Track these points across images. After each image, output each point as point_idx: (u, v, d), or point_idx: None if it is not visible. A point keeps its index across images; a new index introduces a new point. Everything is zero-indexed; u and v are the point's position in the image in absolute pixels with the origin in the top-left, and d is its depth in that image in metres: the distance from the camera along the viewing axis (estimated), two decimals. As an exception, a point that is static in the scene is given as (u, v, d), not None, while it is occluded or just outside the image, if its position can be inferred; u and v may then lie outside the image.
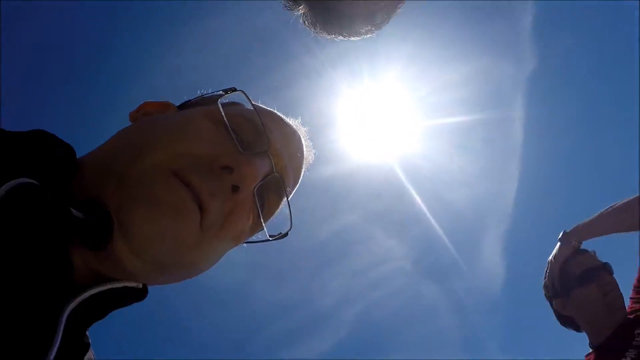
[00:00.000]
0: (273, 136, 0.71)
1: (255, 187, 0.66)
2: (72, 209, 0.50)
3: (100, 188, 0.57)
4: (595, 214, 2.29)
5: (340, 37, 0.95)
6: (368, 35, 0.96)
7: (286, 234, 0.76)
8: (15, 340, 0.44)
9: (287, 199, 0.75)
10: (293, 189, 0.80)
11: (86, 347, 0.58)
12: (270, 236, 0.75)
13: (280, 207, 0.76)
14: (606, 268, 2.10)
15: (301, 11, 0.91)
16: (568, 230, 2.25)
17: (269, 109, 0.79)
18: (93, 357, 0.63)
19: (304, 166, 0.82)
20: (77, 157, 0.62)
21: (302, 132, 0.83)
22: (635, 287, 2.19)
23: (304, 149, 0.81)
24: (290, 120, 0.81)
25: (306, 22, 0.92)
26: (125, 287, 0.60)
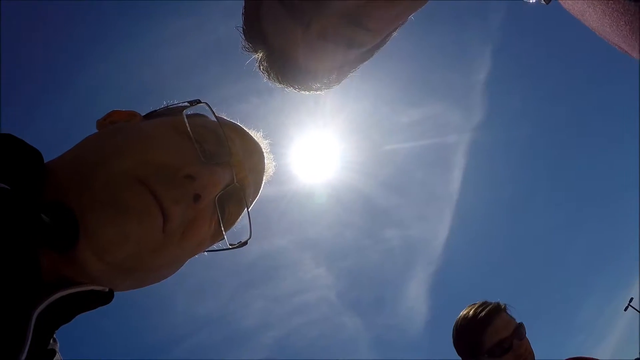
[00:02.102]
0: (235, 147, 0.74)
1: (216, 197, 0.68)
2: (41, 214, 0.51)
3: (66, 192, 0.58)
4: None
5: (291, 89, 0.99)
6: (317, 92, 1.01)
7: (245, 243, 0.78)
8: None
9: (248, 209, 0.77)
10: (253, 200, 0.82)
11: (52, 352, 0.59)
12: (230, 244, 0.77)
13: (240, 216, 0.78)
14: (519, 334, 2.02)
15: (258, 56, 0.95)
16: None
17: (232, 121, 0.82)
18: (60, 359, 0.62)
19: (264, 178, 0.85)
20: (44, 162, 0.63)
21: (263, 144, 0.85)
22: None
23: (265, 161, 0.84)
24: (252, 133, 0.84)
25: (261, 67, 0.96)
26: (92, 291, 0.60)
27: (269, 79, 0.97)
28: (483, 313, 2.08)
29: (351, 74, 1.00)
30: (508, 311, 2.13)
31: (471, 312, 2.12)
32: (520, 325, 2.05)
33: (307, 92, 1.00)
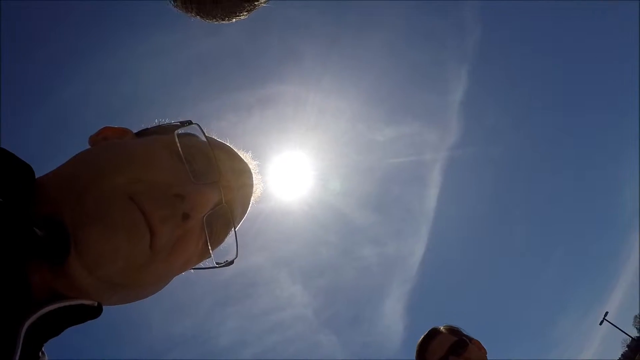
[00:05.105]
0: (224, 168, 0.75)
1: (204, 216, 0.70)
2: (34, 227, 0.53)
3: (58, 207, 0.59)
4: None
5: (197, 17, 0.96)
6: (222, 22, 0.97)
7: (232, 262, 0.80)
8: None
9: (235, 229, 0.79)
10: (241, 220, 0.84)
11: None
12: (217, 263, 0.79)
13: (227, 236, 0.79)
14: (455, 350, 2.13)
15: None
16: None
17: (221, 142, 0.84)
18: None
19: (252, 198, 0.86)
20: (36, 176, 0.64)
21: (252, 165, 0.87)
22: None
23: (253, 182, 0.86)
24: (241, 154, 0.86)
25: None
26: (81, 305, 0.61)
27: (175, 5, 0.95)
28: (420, 340, 2.26)
29: (260, 6, 0.98)
30: (452, 332, 2.27)
31: (418, 341, 2.29)
32: (457, 342, 2.17)
33: (212, 21, 0.97)
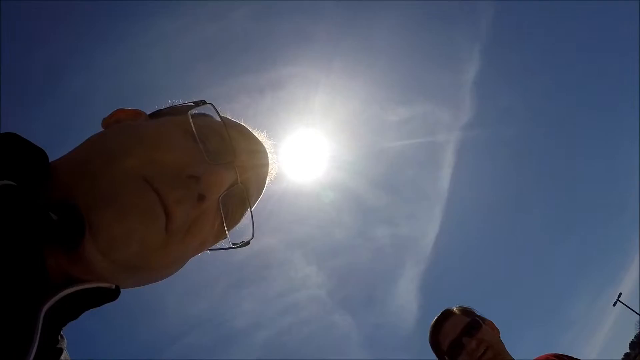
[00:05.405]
0: (239, 148, 0.74)
1: (220, 197, 0.69)
2: (49, 212, 0.52)
3: (71, 191, 0.59)
4: None
5: None
6: None
7: (248, 243, 0.80)
8: None
9: (251, 209, 0.78)
10: (257, 200, 0.83)
11: (60, 350, 0.59)
12: (233, 244, 0.78)
13: (243, 216, 0.79)
14: (468, 331, 2.11)
15: None
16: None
17: (236, 121, 0.82)
18: (67, 357, 0.62)
19: (268, 178, 0.85)
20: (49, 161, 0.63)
21: (267, 145, 0.86)
22: None
23: (269, 161, 0.85)
24: (256, 134, 0.84)
25: None
26: (98, 288, 0.61)
27: None
28: (433, 321, 2.27)
29: None
30: (465, 312, 2.27)
31: (432, 322, 2.29)
32: (470, 323, 2.16)
33: None
